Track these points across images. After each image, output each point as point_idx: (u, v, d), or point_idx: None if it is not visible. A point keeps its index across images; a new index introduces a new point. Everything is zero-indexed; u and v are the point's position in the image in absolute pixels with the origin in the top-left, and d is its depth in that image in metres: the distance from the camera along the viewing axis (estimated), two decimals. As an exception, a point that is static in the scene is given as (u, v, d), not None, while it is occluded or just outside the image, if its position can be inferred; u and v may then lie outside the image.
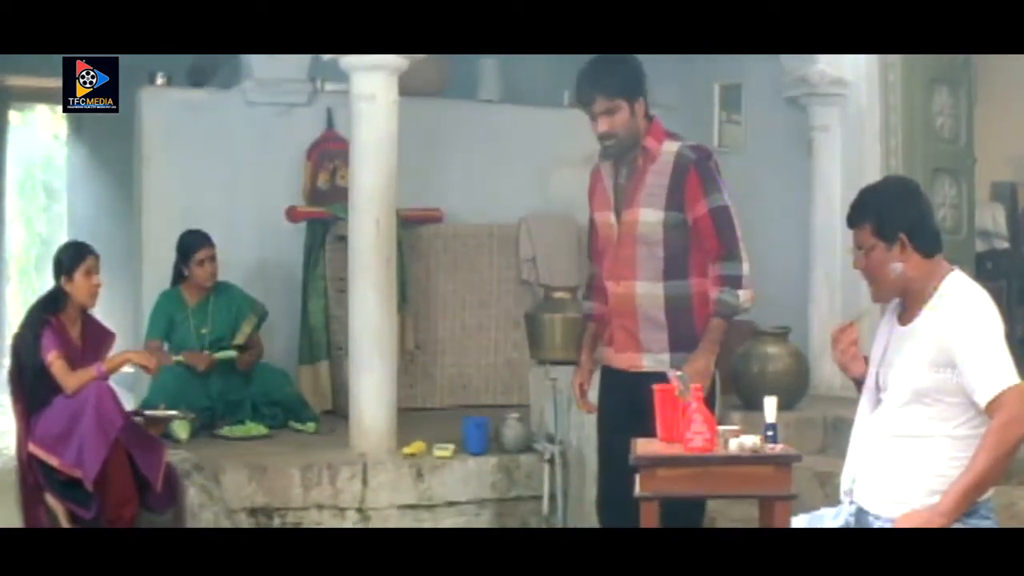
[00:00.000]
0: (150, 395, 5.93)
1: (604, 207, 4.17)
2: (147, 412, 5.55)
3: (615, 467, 3.96)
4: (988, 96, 8.44)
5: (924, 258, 3.35)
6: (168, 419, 5.56)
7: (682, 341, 4.02)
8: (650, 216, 4.01)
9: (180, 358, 6.09)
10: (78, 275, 4.97)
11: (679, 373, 3.63)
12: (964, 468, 3.20)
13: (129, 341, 6.29)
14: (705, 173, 4.01)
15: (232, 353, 6.20)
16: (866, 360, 3.54)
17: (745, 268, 4.00)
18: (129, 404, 5.32)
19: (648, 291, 4.03)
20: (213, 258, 6.24)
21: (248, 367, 6.27)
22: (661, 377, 3.91)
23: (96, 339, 5.09)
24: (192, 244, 6.24)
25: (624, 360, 4.12)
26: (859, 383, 3.57)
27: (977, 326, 3.25)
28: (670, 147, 4.05)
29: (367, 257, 5.43)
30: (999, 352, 3.22)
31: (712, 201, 3.99)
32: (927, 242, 3.36)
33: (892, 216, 3.36)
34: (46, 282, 5.30)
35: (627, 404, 4.05)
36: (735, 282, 3.98)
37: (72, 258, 5.01)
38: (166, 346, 6.23)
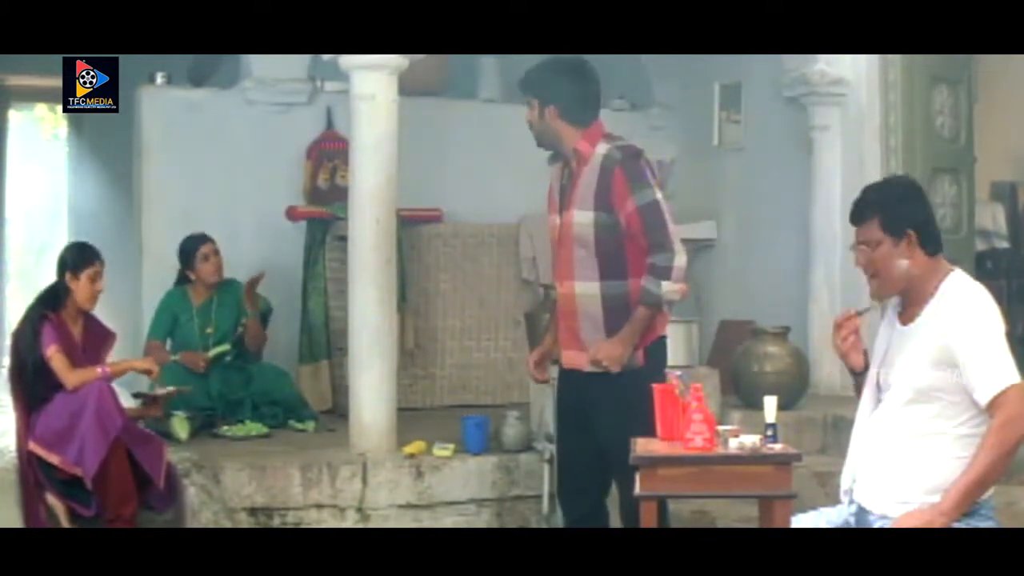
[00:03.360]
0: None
1: (552, 209, 4.26)
2: (146, 392, 5.54)
3: (569, 461, 4.23)
4: (988, 96, 8.44)
5: (928, 256, 3.37)
6: (167, 396, 5.54)
7: None
8: (582, 217, 4.07)
9: (177, 358, 6.09)
10: (83, 277, 4.97)
11: (679, 373, 3.64)
12: (965, 467, 3.20)
13: (129, 340, 6.29)
14: (632, 171, 4.03)
15: (226, 346, 6.21)
16: (866, 354, 3.55)
17: (678, 260, 3.98)
18: (128, 403, 5.31)
19: (586, 291, 4.09)
20: (216, 252, 6.25)
21: (254, 341, 6.27)
22: (604, 377, 4.00)
23: (97, 338, 5.10)
24: (193, 244, 6.25)
25: (568, 359, 4.21)
26: (856, 376, 3.57)
27: (978, 325, 3.25)
28: (602, 149, 4.09)
29: (367, 256, 5.42)
30: (1000, 351, 3.23)
31: (640, 198, 4.01)
32: (932, 240, 3.39)
33: (901, 212, 3.38)
34: (46, 282, 5.29)
35: (577, 401, 4.15)
36: (663, 272, 3.98)
37: (79, 259, 5.02)
38: (168, 344, 6.23)
